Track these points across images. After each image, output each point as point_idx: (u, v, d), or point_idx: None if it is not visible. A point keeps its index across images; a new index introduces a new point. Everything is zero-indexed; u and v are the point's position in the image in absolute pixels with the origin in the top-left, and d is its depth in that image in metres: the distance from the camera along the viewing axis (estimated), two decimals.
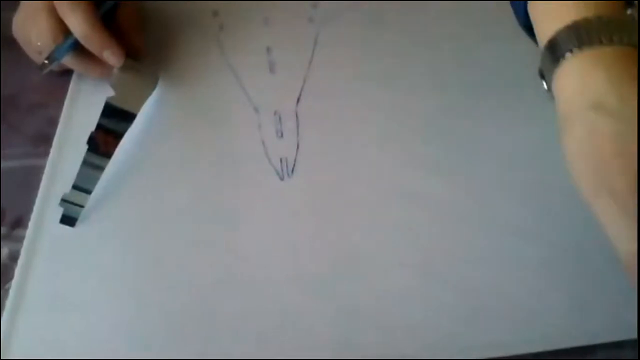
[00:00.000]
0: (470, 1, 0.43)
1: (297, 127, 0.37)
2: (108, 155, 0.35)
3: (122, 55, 0.36)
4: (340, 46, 0.41)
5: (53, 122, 0.39)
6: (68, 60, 0.37)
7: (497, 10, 0.43)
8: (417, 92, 0.38)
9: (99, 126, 0.35)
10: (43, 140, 0.38)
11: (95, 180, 0.34)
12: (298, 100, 0.38)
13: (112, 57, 0.36)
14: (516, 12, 0.33)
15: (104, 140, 0.35)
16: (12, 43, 0.39)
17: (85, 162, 0.34)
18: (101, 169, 0.34)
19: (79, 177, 0.34)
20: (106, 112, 0.35)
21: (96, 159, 0.34)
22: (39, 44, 0.36)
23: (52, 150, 0.37)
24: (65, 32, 0.36)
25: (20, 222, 0.35)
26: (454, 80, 0.39)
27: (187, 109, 0.39)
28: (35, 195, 0.35)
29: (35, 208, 0.34)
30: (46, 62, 0.36)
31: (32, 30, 0.36)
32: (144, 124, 0.38)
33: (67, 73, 0.40)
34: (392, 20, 0.43)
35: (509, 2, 0.44)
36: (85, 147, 0.34)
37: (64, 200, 0.33)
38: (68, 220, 0.33)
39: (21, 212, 0.35)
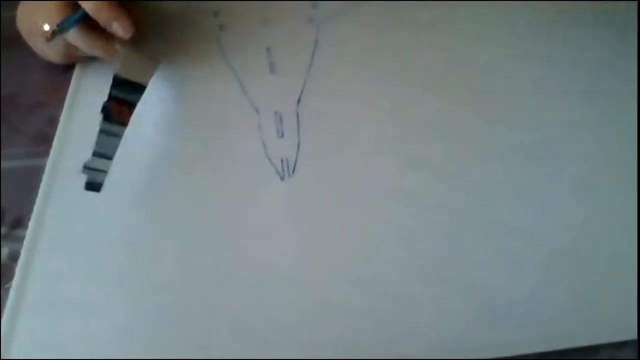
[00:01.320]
0: (471, 1, 0.43)
1: (298, 127, 0.37)
2: (124, 123, 0.34)
3: (130, 27, 0.36)
4: (340, 46, 0.41)
5: (53, 122, 0.39)
6: (74, 36, 0.37)
7: (497, 10, 0.43)
8: (418, 91, 0.38)
9: (110, 97, 0.34)
10: (43, 140, 0.38)
11: (114, 147, 0.34)
12: (299, 100, 0.38)
13: (120, 29, 0.36)
14: None
15: (117, 109, 0.34)
16: (12, 43, 0.39)
17: (102, 131, 0.34)
18: (119, 136, 0.34)
19: (98, 144, 0.33)
20: (115, 84, 0.35)
21: (112, 127, 0.34)
22: (46, 26, 0.35)
23: (53, 150, 0.37)
24: (73, 7, 0.35)
25: (20, 222, 0.35)
26: (454, 81, 0.39)
27: (187, 109, 0.39)
28: (35, 195, 0.35)
29: (35, 208, 0.34)
30: (56, 29, 0.35)
31: (38, 14, 0.36)
32: (144, 124, 0.37)
33: (67, 71, 0.40)
34: (392, 20, 0.43)
35: (510, 2, 0.44)
36: (97, 119, 0.34)
37: (86, 167, 0.33)
38: (93, 186, 0.33)
39: (21, 212, 0.35)
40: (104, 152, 0.33)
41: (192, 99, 0.39)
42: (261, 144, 0.36)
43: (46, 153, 0.37)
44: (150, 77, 0.37)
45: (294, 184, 0.35)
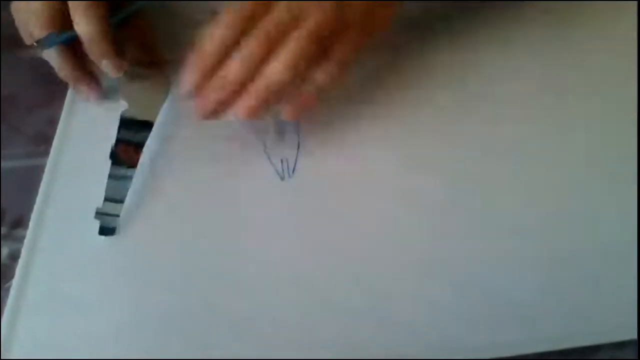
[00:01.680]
0: (471, 1, 0.43)
1: (298, 127, 0.37)
2: (133, 165, 0.34)
3: (120, 68, 0.35)
4: None
5: (53, 122, 0.39)
6: (54, 57, 0.35)
7: (497, 8, 0.43)
8: (418, 90, 0.38)
9: (118, 140, 0.34)
10: (43, 140, 0.38)
11: (125, 190, 0.34)
12: None
13: (110, 67, 0.35)
14: None
15: (125, 152, 0.34)
16: (12, 43, 0.39)
17: (111, 176, 0.33)
18: (129, 178, 0.34)
19: (109, 190, 0.33)
20: (123, 125, 0.34)
21: (122, 171, 0.34)
22: (28, 27, 0.34)
23: (52, 150, 0.37)
24: (62, 24, 0.34)
25: (20, 222, 0.35)
26: (454, 79, 0.39)
27: (186, 109, 0.39)
28: (35, 195, 0.35)
29: (36, 208, 0.34)
30: (35, 44, 0.34)
31: (25, 11, 0.34)
32: None
33: None
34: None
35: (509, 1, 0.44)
36: (108, 161, 0.34)
37: (99, 213, 0.33)
38: (107, 230, 0.33)
39: (21, 212, 0.35)
40: (115, 197, 0.33)
41: (191, 98, 0.39)
42: (261, 143, 0.36)
43: (46, 153, 0.37)
44: (159, 109, 0.36)
45: (294, 184, 0.35)
